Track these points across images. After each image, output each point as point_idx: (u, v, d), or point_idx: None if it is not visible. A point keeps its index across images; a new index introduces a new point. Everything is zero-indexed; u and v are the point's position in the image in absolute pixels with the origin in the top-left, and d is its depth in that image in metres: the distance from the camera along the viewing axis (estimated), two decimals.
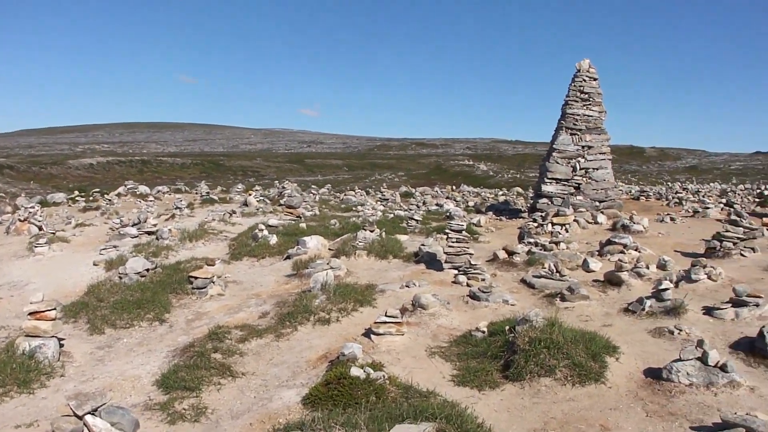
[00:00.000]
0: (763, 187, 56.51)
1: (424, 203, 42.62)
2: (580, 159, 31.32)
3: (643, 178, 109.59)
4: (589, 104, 31.79)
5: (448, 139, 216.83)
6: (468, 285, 15.75)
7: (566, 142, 31.35)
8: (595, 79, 32.10)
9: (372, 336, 11.57)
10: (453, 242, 17.91)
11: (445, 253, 18.09)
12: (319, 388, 9.14)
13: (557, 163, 31.20)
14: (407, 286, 15.65)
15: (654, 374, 9.50)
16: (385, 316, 11.63)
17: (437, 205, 40.83)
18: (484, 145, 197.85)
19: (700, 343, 9.26)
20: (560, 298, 14.13)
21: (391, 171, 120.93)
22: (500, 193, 57.95)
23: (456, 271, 16.88)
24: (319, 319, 13.21)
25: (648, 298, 13.16)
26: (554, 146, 31.57)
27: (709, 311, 12.88)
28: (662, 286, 13.05)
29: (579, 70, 32.07)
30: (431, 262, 18.52)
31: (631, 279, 15.55)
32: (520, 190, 59.73)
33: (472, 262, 16.60)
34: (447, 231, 18.71)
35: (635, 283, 15.49)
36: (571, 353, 9.54)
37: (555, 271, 15.86)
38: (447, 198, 48.65)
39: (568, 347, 9.63)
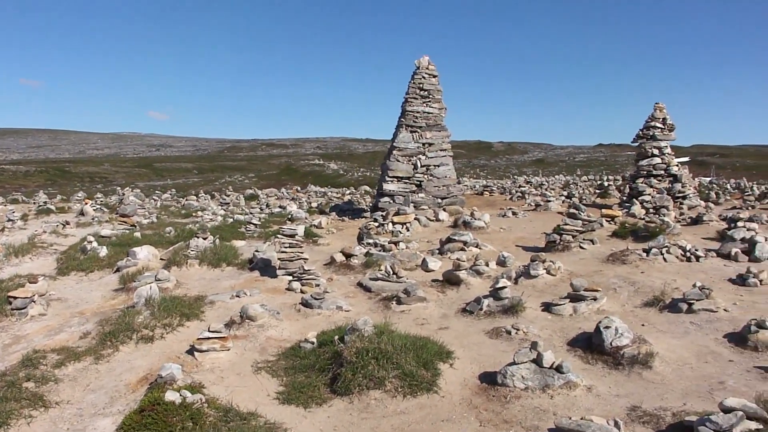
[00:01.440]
0: (604, 179, 59.38)
1: (267, 206, 42.18)
2: (421, 156, 31.69)
3: (491, 172, 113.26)
4: (429, 101, 32.30)
5: (299, 139, 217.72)
6: (302, 292, 15.27)
7: (407, 140, 31.62)
8: (434, 76, 32.68)
9: (196, 353, 10.85)
10: (286, 247, 17.37)
11: (278, 259, 17.53)
12: (133, 417, 8.39)
13: (398, 161, 31.38)
14: (238, 296, 15.02)
15: (489, 379, 9.27)
16: (209, 331, 10.96)
17: (280, 207, 40.43)
18: (335, 144, 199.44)
19: (534, 345, 9.11)
20: (396, 302, 13.84)
21: (241, 173, 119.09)
22: (347, 192, 58.14)
23: (290, 278, 16.36)
24: (143, 336, 12.31)
25: (486, 297, 13.11)
26: (395, 144, 31.81)
27: (547, 307, 12.99)
28: (499, 285, 13.01)
29: (418, 68, 32.55)
30: (265, 268, 17.93)
31: (470, 277, 15.52)
32: (368, 188, 60.19)
33: (306, 268, 16.14)
34: (279, 236, 18.16)
35: (474, 281, 15.47)
36: (401, 362, 9.16)
37: (392, 272, 15.59)
38: (291, 199, 48.27)
39: (398, 356, 9.25)
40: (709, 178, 67.18)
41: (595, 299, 13.02)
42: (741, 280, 14.78)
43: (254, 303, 13.27)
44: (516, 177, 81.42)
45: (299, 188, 64.13)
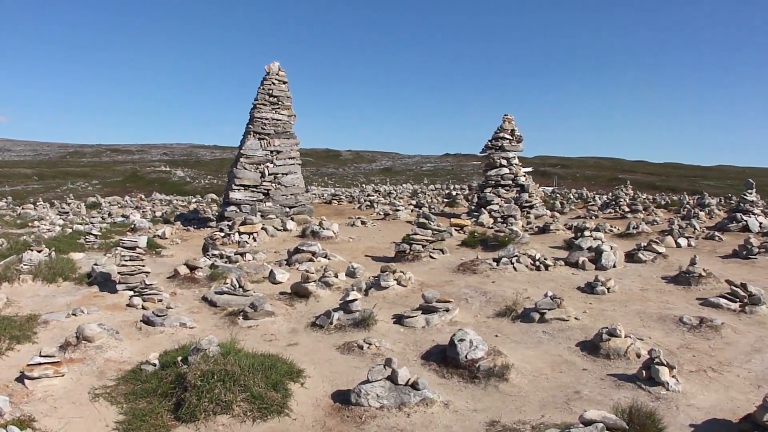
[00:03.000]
0: (451, 188, 60.67)
1: (109, 214, 40.46)
2: (268, 164, 31.24)
3: (339, 181, 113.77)
4: (278, 108, 31.90)
5: (145, 145, 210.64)
6: (144, 308, 14.51)
7: (254, 147, 31.11)
8: (284, 83, 32.36)
9: (26, 381, 9.93)
10: (127, 260, 16.48)
11: (118, 272, 16.60)
12: None
13: (245, 168, 30.79)
14: (74, 315, 14.01)
15: (343, 398, 8.97)
16: (40, 355, 10.07)
17: (123, 216, 38.81)
18: (182, 151, 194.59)
19: (388, 362, 8.89)
20: (243, 316, 13.34)
21: (84, 179, 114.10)
22: (193, 200, 56.85)
23: (131, 293, 15.52)
24: None
25: (336, 310, 12.85)
26: (242, 151, 31.23)
27: (399, 320, 12.85)
28: (349, 297, 12.80)
29: (268, 73, 32.12)
30: (105, 283, 16.97)
31: (319, 290, 15.24)
32: (214, 196, 59.25)
33: (148, 282, 15.36)
34: (120, 248, 17.23)
35: (324, 293, 15.21)
36: (249, 384, 8.70)
37: (238, 285, 15.08)
38: (135, 208, 46.68)
39: (245, 378, 8.77)
40: (551, 188, 70.08)
41: (447, 310, 13.01)
42: (590, 289, 15.25)
43: (92, 322, 12.40)
44: (364, 185, 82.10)
45: (144, 196, 62.21)
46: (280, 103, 31.96)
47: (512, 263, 17.75)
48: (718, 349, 11.04)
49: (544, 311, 12.67)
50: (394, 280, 15.67)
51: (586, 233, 20.24)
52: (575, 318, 12.67)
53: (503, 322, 12.95)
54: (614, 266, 18.09)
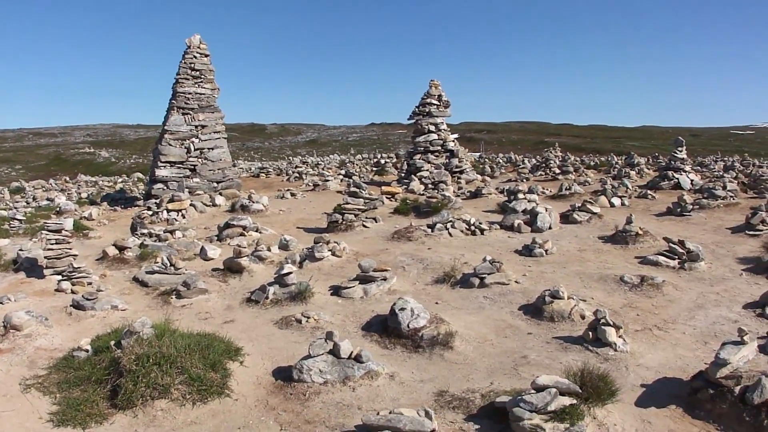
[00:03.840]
0: (379, 156, 60.53)
1: (34, 198, 39.35)
2: (194, 139, 30.61)
3: (266, 154, 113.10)
4: (201, 82, 31.21)
5: (67, 127, 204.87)
6: (73, 292, 14.00)
7: (178, 123, 30.38)
8: (206, 56, 31.65)
9: None
10: (53, 244, 15.85)
11: (45, 257, 15.95)
12: None
13: (170, 145, 30.07)
14: (1, 303, 13.45)
15: (285, 375, 8.70)
16: None
17: (48, 199, 37.73)
18: (105, 131, 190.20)
19: (329, 335, 8.63)
20: (176, 295, 12.99)
21: (7, 165, 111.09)
22: (120, 180, 55.79)
23: (60, 277, 14.97)
24: None
25: (271, 284, 12.61)
26: (166, 128, 30.50)
27: (337, 291, 12.68)
28: (284, 270, 12.56)
29: (189, 47, 31.31)
30: (32, 268, 16.34)
31: (252, 264, 14.97)
32: (141, 175, 58.32)
33: (76, 265, 14.85)
34: (44, 231, 16.61)
35: (257, 268, 14.93)
36: (186, 366, 8.33)
37: (169, 264, 14.65)
38: (61, 191, 45.52)
39: (182, 359, 8.39)
40: (478, 154, 70.55)
41: (385, 279, 12.86)
42: (528, 251, 15.24)
43: (20, 309, 11.85)
44: (291, 158, 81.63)
45: (69, 178, 60.75)
46: (202, 76, 31.24)
47: (447, 229, 17.65)
48: (662, 307, 11.12)
49: (483, 276, 12.58)
50: (329, 250, 15.46)
51: (520, 196, 20.29)
52: (516, 281, 12.64)
53: (442, 288, 12.84)
54: (550, 228, 18.18)
